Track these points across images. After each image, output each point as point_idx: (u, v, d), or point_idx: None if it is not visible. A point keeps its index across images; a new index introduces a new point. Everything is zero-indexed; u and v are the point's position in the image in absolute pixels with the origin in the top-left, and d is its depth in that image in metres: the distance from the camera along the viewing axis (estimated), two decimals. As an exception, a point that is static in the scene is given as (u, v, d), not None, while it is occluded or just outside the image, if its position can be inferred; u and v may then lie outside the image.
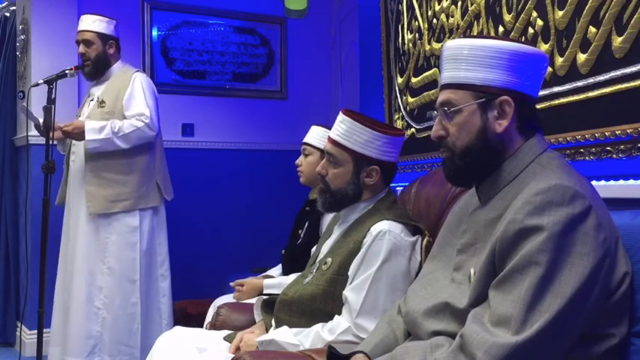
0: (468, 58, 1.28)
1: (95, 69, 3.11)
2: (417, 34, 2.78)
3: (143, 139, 3.00)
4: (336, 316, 1.71)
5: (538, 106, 1.51)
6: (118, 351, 2.99)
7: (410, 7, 2.84)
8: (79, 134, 2.93)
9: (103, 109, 3.02)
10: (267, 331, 1.87)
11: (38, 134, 3.05)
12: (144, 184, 3.07)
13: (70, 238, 3.10)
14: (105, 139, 2.91)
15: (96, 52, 3.08)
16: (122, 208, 3.01)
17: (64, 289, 3.10)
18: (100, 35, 3.09)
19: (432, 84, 2.65)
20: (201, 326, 2.40)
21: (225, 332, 1.97)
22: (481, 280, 1.20)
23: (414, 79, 2.81)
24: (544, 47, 1.92)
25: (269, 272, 2.68)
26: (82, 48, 3.09)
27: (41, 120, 2.84)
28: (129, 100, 3.02)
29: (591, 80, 1.76)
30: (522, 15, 2.04)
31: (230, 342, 1.86)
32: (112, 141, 2.92)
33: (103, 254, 3.01)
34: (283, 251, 2.61)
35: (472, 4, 2.34)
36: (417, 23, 2.78)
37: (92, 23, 3.09)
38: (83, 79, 3.34)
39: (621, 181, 1.68)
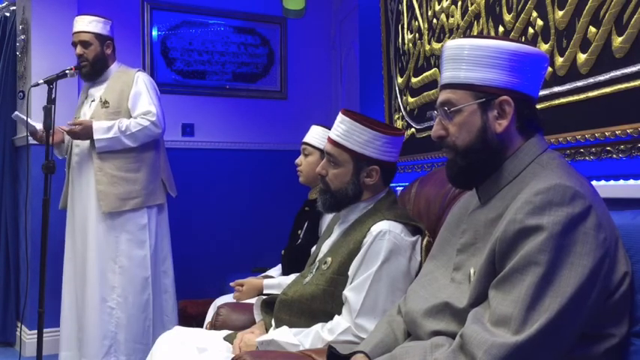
0: (468, 58, 1.28)
1: (93, 70, 3.11)
2: (417, 34, 2.78)
3: (150, 137, 3.03)
4: (336, 316, 1.71)
5: (538, 106, 1.51)
6: (133, 349, 3.00)
7: (410, 7, 2.84)
8: (84, 132, 2.94)
9: (107, 110, 3.04)
10: (267, 331, 1.87)
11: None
12: (152, 181, 3.10)
13: (78, 240, 3.09)
14: (113, 137, 2.95)
15: (94, 53, 3.08)
16: (133, 206, 3.04)
17: (74, 291, 3.10)
18: (98, 36, 3.09)
19: (432, 84, 2.65)
20: (201, 326, 2.40)
21: (225, 332, 1.97)
22: (481, 279, 1.20)
23: (414, 79, 2.81)
24: (544, 47, 1.92)
25: (269, 272, 2.68)
26: (79, 49, 3.08)
27: (39, 127, 2.84)
28: (134, 100, 3.05)
29: (591, 80, 1.76)
30: (522, 15, 2.04)
31: (230, 342, 1.86)
32: (119, 140, 2.96)
33: (114, 253, 3.03)
34: (283, 251, 2.61)
35: (472, 4, 2.34)
36: (417, 23, 2.78)
37: (89, 24, 3.09)
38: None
39: (621, 181, 1.68)
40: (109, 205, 3.00)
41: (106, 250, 3.02)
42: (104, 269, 3.01)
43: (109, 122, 2.96)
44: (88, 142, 3.01)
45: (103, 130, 2.94)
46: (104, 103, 3.05)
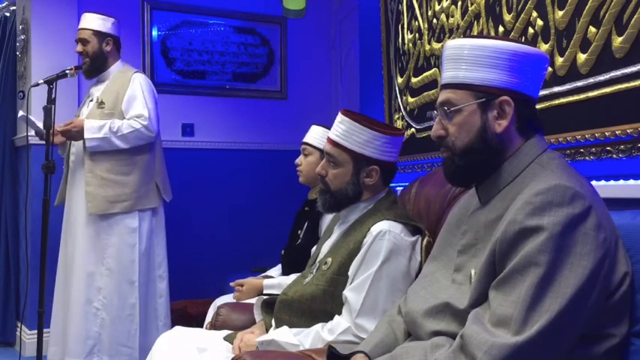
0: (468, 57, 1.28)
1: (93, 66, 3.12)
2: (417, 34, 2.78)
3: (142, 140, 3.01)
4: (336, 316, 1.71)
5: (538, 106, 1.51)
6: (116, 351, 2.99)
7: (410, 7, 2.84)
8: (78, 133, 2.94)
9: (102, 110, 3.03)
10: (267, 331, 1.87)
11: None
12: (143, 184, 3.07)
13: (69, 239, 3.10)
14: (103, 138, 2.93)
15: (92, 50, 3.09)
16: (122, 209, 3.01)
17: (64, 289, 3.10)
18: (96, 32, 3.10)
19: (432, 84, 2.65)
20: (201, 326, 2.40)
21: (225, 332, 1.97)
22: (481, 280, 1.20)
23: (414, 79, 2.81)
24: (544, 47, 1.92)
25: (269, 272, 2.68)
26: (79, 47, 3.10)
27: (41, 124, 2.85)
28: (128, 102, 3.03)
29: (591, 80, 1.76)
30: (522, 15, 2.04)
31: (230, 342, 1.86)
32: (110, 140, 2.94)
33: (102, 255, 3.02)
34: (283, 251, 2.61)
35: (472, 4, 2.34)
36: (417, 23, 2.78)
37: (89, 21, 3.11)
38: (83, 79, 3.35)
39: (621, 181, 1.68)
40: (96, 207, 2.98)
41: (94, 252, 3.01)
42: (91, 271, 3.00)
43: (101, 122, 2.94)
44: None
45: (94, 129, 2.92)
46: (100, 104, 3.05)
